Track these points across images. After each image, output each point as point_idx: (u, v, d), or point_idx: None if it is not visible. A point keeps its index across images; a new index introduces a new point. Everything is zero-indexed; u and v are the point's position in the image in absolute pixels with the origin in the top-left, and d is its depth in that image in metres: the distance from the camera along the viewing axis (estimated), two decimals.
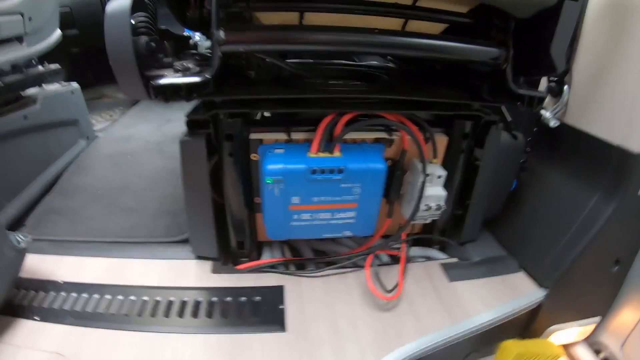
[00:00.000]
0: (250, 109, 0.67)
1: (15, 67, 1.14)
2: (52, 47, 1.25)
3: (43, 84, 1.27)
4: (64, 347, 0.61)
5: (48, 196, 1.10)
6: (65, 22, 1.41)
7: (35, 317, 0.66)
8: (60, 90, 1.29)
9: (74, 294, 0.72)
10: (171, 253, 0.84)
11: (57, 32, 1.29)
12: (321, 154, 0.64)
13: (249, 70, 0.72)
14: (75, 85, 1.34)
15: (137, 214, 0.99)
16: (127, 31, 0.57)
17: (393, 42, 0.61)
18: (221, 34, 0.56)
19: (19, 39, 1.13)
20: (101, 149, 1.34)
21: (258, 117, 0.88)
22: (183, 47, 0.76)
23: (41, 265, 0.79)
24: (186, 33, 0.84)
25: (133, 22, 0.61)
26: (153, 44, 0.62)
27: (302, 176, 0.63)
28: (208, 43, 0.72)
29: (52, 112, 1.23)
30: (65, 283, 0.75)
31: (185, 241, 0.85)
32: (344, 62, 0.93)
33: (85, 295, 0.72)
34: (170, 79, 0.58)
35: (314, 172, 0.63)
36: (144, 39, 0.61)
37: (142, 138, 1.38)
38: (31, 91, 1.22)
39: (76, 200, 1.07)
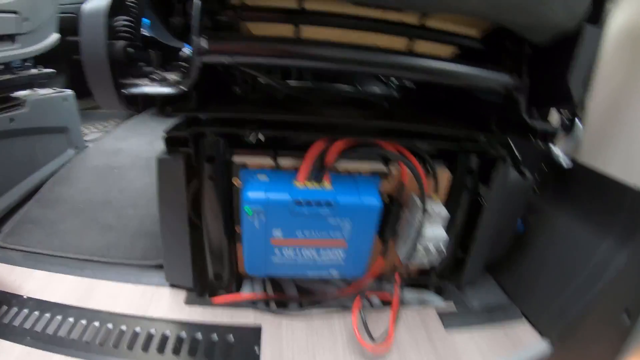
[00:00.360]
0: (235, 128, 0.61)
1: (6, 67, 1.11)
2: (47, 50, 1.22)
3: (36, 88, 1.23)
4: None
5: (27, 204, 1.05)
6: (69, 28, 1.39)
7: None
8: (52, 95, 1.24)
9: (36, 312, 0.67)
10: (145, 278, 0.78)
11: (54, 36, 1.26)
12: (309, 184, 0.58)
13: (235, 85, 0.67)
14: (68, 92, 1.30)
15: (116, 233, 0.93)
16: (101, 32, 0.52)
17: (396, 63, 0.55)
18: (203, 42, 0.51)
19: (11, 37, 1.09)
20: (89, 160, 1.29)
21: (252, 139, 0.83)
22: (172, 59, 0.72)
23: (9, 276, 0.75)
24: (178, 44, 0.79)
25: (114, 24, 0.56)
26: (131, 50, 0.57)
27: (286, 208, 0.56)
28: None
29: (41, 117, 1.18)
30: (30, 299, 0.70)
31: (161, 266, 0.79)
32: (343, 87, 0.88)
33: (48, 315, 0.67)
34: (143, 88, 0.53)
35: (299, 204, 0.56)
36: (121, 43, 0.56)
37: (132, 152, 1.33)
38: (21, 94, 1.18)
39: (55, 211, 1.02)
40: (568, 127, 0.77)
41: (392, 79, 1.01)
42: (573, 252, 0.74)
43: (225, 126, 0.62)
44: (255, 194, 0.56)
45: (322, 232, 0.59)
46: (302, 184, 0.58)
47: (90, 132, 1.60)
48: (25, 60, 1.23)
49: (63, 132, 1.29)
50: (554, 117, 0.79)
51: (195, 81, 0.53)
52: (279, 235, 0.59)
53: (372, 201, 0.57)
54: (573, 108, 0.74)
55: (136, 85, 0.55)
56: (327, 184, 0.58)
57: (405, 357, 0.65)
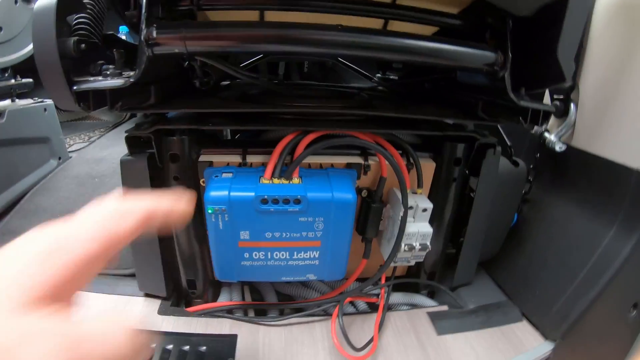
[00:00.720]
0: (198, 125, 0.57)
1: None
2: (23, 59, 1.20)
3: (15, 99, 1.21)
4: None
5: (8, 216, 1.02)
6: None
7: None
8: (32, 105, 1.21)
9: None
10: (120, 288, 0.73)
11: (31, 45, 1.23)
12: (276, 181, 0.53)
13: (205, 83, 0.63)
14: (48, 101, 1.27)
15: None
16: (51, 30, 0.48)
17: (375, 43, 0.50)
18: (152, 31, 0.47)
19: None
20: (70, 170, 1.25)
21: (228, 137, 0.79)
22: None
23: None
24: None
25: (70, 22, 0.53)
26: (83, 46, 0.53)
27: (250, 206, 0.51)
28: None
29: (20, 127, 1.15)
30: None
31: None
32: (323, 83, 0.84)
33: None
34: (92, 84, 0.49)
35: (264, 201, 0.51)
36: (73, 40, 0.52)
37: (114, 160, 1.29)
38: (0, 105, 1.15)
39: (34, 222, 0.96)
40: (561, 112, 0.73)
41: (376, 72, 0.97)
42: (574, 244, 0.69)
43: (191, 123, 0.58)
44: (217, 193, 0.51)
45: (293, 232, 0.54)
46: (269, 180, 0.53)
47: (75, 143, 1.57)
48: (5, 70, 1.21)
49: (44, 142, 1.25)
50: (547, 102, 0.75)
51: (144, 72, 0.48)
52: (247, 237, 0.54)
53: (346, 196, 0.52)
54: (565, 87, 0.70)
55: (88, 82, 0.51)
56: (296, 179, 0.54)
57: None
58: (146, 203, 0.29)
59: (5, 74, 1.20)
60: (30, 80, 1.24)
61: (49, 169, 1.25)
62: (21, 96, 1.24)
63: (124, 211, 0.28)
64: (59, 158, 1.31)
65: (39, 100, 1.26)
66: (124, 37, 0.74)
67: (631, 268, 0.61)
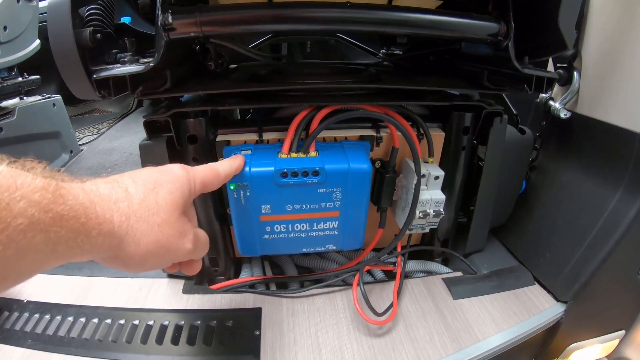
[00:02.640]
0: (213, 106, 0.59)
1: None
2: (29, 57, 1.20)
3: (24, 96, 1.22)
4: None
5: None
6: None
7: None
8: (40, 101, 1.23)
9: (36, 315, 0.65)
10: None
11: (36, 42, 1.25)
12: (294, 155, 0.55)
13: (216, 64, 0.64)
14: (57, 97, 1.29)
15: None
16: (67, 21, 0.50)
17: (382, 18, 0.51)
18: (168, 16, 0.49)
19: None
20: (83, 162, 1.27)
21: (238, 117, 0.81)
22: (151, 45, 0.70)
23: None
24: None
25: (83, 14, 0.54)
26: (99, 36, 0.54)
27: (271, 180, 0.53)
28: None
29: (31, 124, 1.17)
30: (30, 302, 0.69)
31: None
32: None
33: (47, 316, 0.65)
34: (112, 71, 0.51)
35: (284, 175, 0.53)
36: (88, 30, 0.54)
37: (125, 150, 1.31)
38: (9, 103, 1.17)
39: None
40: (564, 80, 0.74)
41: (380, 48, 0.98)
42: (581, 208, 0.71)
43: (206, 104, 0.60)
44: None
45: (313, 203, 0.56)
46: (286, 155, 0.55)
47: (85, 136, 1.59)
48: (11, 69, 1.22)
49: (55, 137, 1.27)
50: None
51: (162, 57, 0.50)
52: (268, 211, 0.56)
53: (362, 166, 0.54)
54: (568, 55, 0.71)
55: (107, 69, 0.53)
56: (313, 153, 0.56)
57: (413, 328, 0.62)
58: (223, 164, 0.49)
59: (12, 73, 1.21)
60: (38, 76, 1.26)
61: (62, 163, 1.27)
62: (29, 93, 1.25)
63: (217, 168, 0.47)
64: (71, 151, 1.34)
65: (47, 95, 1.28)
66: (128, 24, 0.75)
67: (637, 231, 0.63)
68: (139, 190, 0.35)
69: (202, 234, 0.43)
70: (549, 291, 0.71)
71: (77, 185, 0.30)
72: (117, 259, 0.33)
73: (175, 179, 0.39)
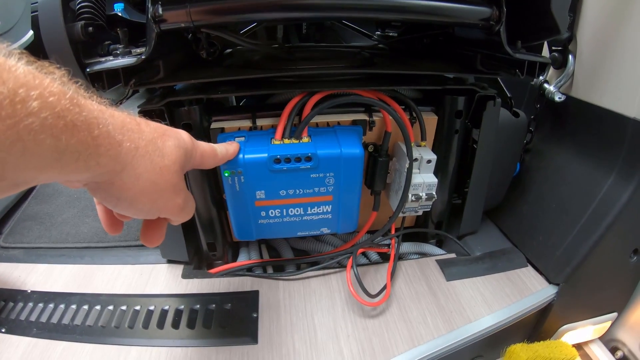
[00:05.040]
0: (206, 94, 0.59)
1: None
2: (22, 48, 1.20)
3: None
4: None
5: (25, 202, 1.05)
6: None
7: (2, 329, 0.62)
8: None
9: (40, 304, 0.67)
10: (143, 257, 0.78)
11: (29, 34, 1.24)
12: (287, 141, 0.56)
13: (208, 53, 0.64)
14: None
15: None
16: (58, 16, 0.51)
17: (376, 4, 0.52)
18: (158, 8, 0.49)
19: None
20: None
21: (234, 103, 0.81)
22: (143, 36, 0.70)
23: (12, 274, 0.75)
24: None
25: (74, 7, 0.55)
26: (91, 29, 0.55)
27: (264, 167, 0.54)
28: None
29: None
30: (34, 292, 0.70)
31: None
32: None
33: (51, 305, 0.67)
34: (105, 64, 0.51)
35: (277, 161, 0.54)
36: (80, 24, 0.54)
37: None
38: None
39: (52, 205, 1.02)
40: (559, 64, 0.74)
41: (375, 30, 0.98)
42: (575, 191, 0.71)
43: (200, 93, 0.61)
44: None
45: (306, 188, 0.57)
46: (279, 141, 0.56)
47: None
48: None
49: None
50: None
51: (154, 48, 0.50)
52: (262, 196, 0.57)
53: (354, 150, 0.55)
54: (563, 39, 0.71)
55: (100, 62, 0.53)
56: (305, 138, 0.56)
57: (406, 310, 0.64)
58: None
59: None
60: None
61: None
62: None
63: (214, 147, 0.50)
64: None
65: None
66: (120, 14, 0.75)
67: (630, 214, 0.64)
68: (151, 130, 0.36)
69: (192, 199, 0.44)
70: (541, 273, 0.72)
71: (93, 102, 0.30)
72: (112, 187, 0.33)
73: (182, 139, 0.40)
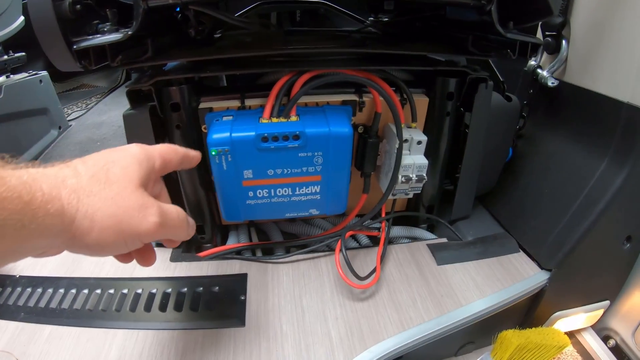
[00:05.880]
0: (195, 73, 0.58)
1: None
2: (13, 34, 1.19)
3: (10, 74, 1.21)
4: (13, 345, 0.56)
5: None
6: None
7: None
8: (27, 78, 1.22)
9: (28, 289, 0.66)
10: None
11: (20, 19, 1.23)
12: (275, 120, 0.55)
13: (189, 29, 0.64)
14: (43, 73, 1.28)
15: None
16: None
17: None
18: None
19: None
20: (72, 137, 1.27)
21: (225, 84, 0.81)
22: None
23: None
24: None
25: None
26: (79, 7, 0.54)
27: (252, 145, 0.53)
28: None
29: (18, 101, 1.16)
30: (22, 277, 0.69)
31: None
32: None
33: (39, 289, 0.66)
34: (91, 40, 0.50)
35: (264, 139, 0.53)
36: (68, 1, 0.53)
37: (113, 124, 1.31)
38: None
39: None
40: (553, 48, 0.73)
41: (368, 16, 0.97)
42: (568, 176, 0.71)
43: (189, 72, 0.60)
44: (219, 135, 0.53)
45: (294, 167, 0.56)
46: (267, 120, 0.55)
47: (73, 112, 1.58)
48: None
49: (43, 113, 1.27)
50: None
51: (141, 25, 0.49)
52: (250, 176, 0.56)
53: (343, 129, 0.54)
54: (556, 23, 0.70)
55: (87, 40, 0.52)
56: (294, 117, 0.55)
57: (396, 293, 0.63)
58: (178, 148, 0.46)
59: None
60: (23, 53, 1.24)
61: (51, 139, 1.27)
62: (15, 71, 1.24)
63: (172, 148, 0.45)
64: (59, 127, 1.33)
65: (34, 72, 1.26)
66: None
67: (623, 200, 0.64)
68: (89, 169, 0.34)
69: (173, 209, 0.40)
70: (533, 259, 0.71)
71: (21, 168, 0.30)
72: (75, 240, 0.32)
73: (129, 155, 0.38)
